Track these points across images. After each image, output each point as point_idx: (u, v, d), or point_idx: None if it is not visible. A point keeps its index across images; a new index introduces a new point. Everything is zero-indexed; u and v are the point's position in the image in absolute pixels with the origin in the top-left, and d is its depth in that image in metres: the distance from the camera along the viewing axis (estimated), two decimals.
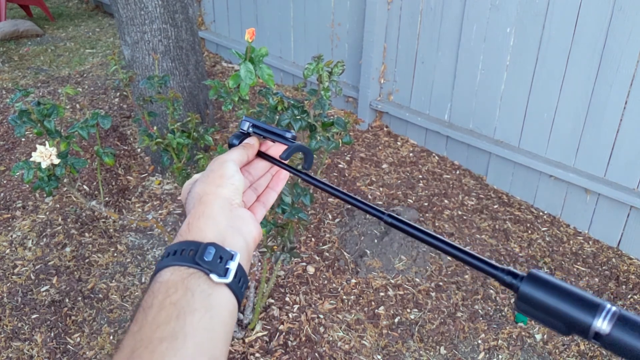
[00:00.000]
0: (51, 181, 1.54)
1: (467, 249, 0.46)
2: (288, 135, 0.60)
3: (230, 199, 0.52)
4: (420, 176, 2.98)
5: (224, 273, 0.46)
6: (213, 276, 0.45)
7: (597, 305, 0.35)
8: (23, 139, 3.21)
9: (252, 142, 0.61)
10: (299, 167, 0.63)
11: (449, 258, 2.38)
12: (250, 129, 0.61)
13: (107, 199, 2.73)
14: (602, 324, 0.34)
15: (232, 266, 0.47)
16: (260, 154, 0.62)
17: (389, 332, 2.05)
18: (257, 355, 1.93)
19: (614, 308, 0.35)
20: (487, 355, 1.98)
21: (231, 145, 0.62)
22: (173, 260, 0.46)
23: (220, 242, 0.48)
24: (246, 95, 1.38)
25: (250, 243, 0.52)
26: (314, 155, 1.52)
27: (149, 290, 0.45)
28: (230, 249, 0.48)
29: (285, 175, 0.65)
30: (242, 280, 0.48)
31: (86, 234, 2.52)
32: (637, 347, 0.33)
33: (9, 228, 2.56)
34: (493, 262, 0.44)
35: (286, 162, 0.61)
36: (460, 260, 0.46)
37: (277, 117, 1.46)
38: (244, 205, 0.57)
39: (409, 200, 2.76)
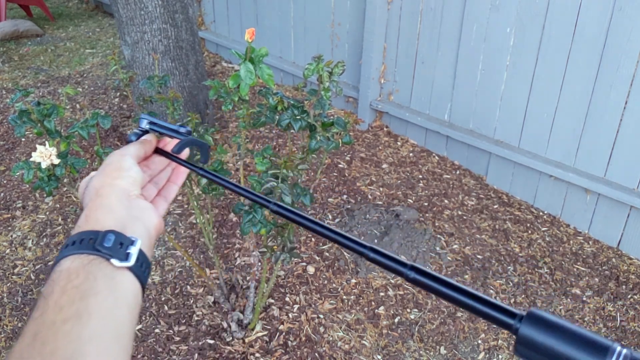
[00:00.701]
0: (51, 181, 1.54)
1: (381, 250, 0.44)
2: (182, 130, 0.62)
3: (127, 191, 0.51)
4: (420, 176, 2.98)
5: (125, 257, 0.46)
6: (114, 261, 0.45)
7: (606, 347, 0.32)
8: (23, 139, 3.21)
9: (149, 138, 0.61)
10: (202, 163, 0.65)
11: (449, 258, 2.38)
12: (148, 126, 0.63)
13: None
14: None
15: (133, 251, 0.46)
16: (158, 150, 0.63)
17: (389, 332, 2.05)
18: (257, 355, 1.93)
19: (624, 350, 0.32)
20: (487, 355, 1.98)
21: (129, 142, 0.63)
22: (72, 249, 0.45)
23: (121, 230, 0.47)
24: (246, 95, 1.38)
25: (151, 231, 0.51)
26: (314, 155, 1.52)
27: (49, 279, 0.44)
28: (130, 236, 0.47)
29: (185, 170, 0.65)
30: (144, 265, 0.47)
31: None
32: None
33: (9, 228, 2.56)
34: (479, 294, 0.38)
35: (183, 158, 0.63)
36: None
37: (277, 117, 1.46)
38: (143, 199, 0.58)
39: (409, 200, 2.76)
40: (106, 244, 0.45)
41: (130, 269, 0.46)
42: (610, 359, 0.32)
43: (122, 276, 0.45)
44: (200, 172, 0.61)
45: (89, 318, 0.41)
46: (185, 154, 0.64)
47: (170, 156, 0.63)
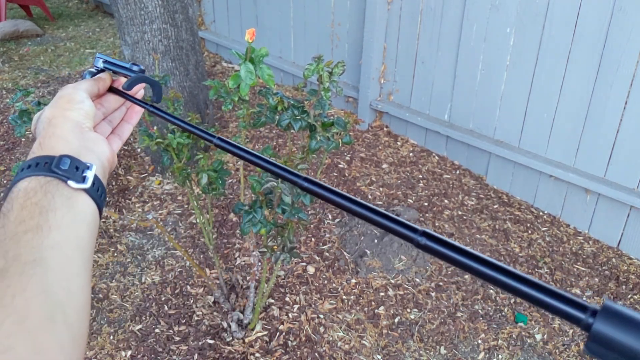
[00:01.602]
0: None
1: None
2: (135, 68, 0.62)
3: (80, 123, 0.52)
4: (420, 176, 2.98)
5: (82, 180, 0.46)
6: (71, 182, 0.45)
7: None
8: (23, 139, 3.21)
9: (104, 76, 0.61)
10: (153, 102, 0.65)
11: None
12: (103, 65, 0.63)
13: (107, 199, 2.73)
14: None
15: (89, 174, 0.47)
16: (112, 89, 0.63)
17: (389, 332, 2.05)
18: (257, 355, 1.93)
19: None
20: (487, 355, 1.98)
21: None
22: (28, 172, 0.45)
23: (76, 156, 0.48)
24: (246, 95, 1.38)
25: (104, 162, 0.52)
26: (314, 155, 1.52)
27: (7, 199, 0.44)
28: (85, 161, 0.48)
29: (139, 109, 0.65)
30: (100, 189, 0.48)
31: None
32: None
33: None
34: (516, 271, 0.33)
35: (136, 96, 0.63)
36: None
37: (277, 117, 1.46)
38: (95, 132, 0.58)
39: (409, 200, 2.76)
40: (62, 167, 0.46)
41: (86, 191, 0.46)
42: None
43: (79, 197, 0.46)
44: (151, 109, 0.61)
45: (49, 230, 0.41)
46: (139, 94, 0.65)
47: (124, 94, 0.63)
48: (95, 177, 0.48)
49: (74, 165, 0.47)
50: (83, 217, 0.45)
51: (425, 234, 0.37)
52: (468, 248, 0.36)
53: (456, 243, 0.36)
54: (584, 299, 2.22)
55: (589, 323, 0.30)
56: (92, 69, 0.63)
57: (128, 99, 0.63)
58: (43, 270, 0.40)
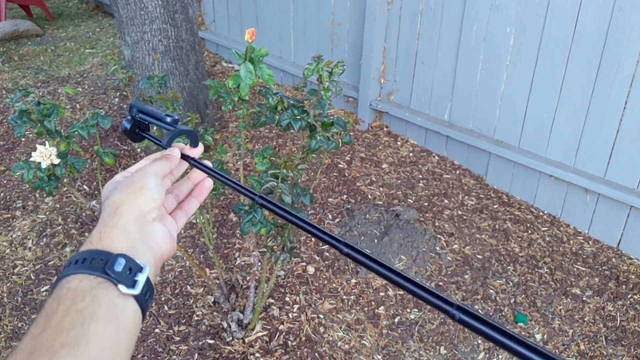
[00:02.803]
0: (51, 181, 1.54)
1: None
2: (168, 119, 0.62)
3: (145, 213, 0.52)
4: (420, 176, 2.98)
5: (132, 285, 0.46)
6: (121, 287, 0.45)
7: None
8: (23, 139, 3.21)
9: (174, 153, 0.61)
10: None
11: (449, 258, 2.38)
12: (138, 116, 0.64)
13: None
14: None
15: (141, 278, 0.47)
16: (182, 156, 0.63)
17: (389, 332, 2.05)
18: (257, 355, 1.93)
19: None
20: (487, 355, 1.98)
21: (125, 130, 0.64)
22: (82, 268, 0.46)
23: (131, 255, 0.48)
24: (246, 95, 1.38)
25: (158, 260, 0.52)
26: (314, 155, 1.52)
27: (55, 294, 0.44)
28: (140, 262, 0.48)
29: (209, 185, 0.65)
30: (148, 293, 0.48)
31: (86, 234, 2.52)
32: None
33: (9, 228, 2.56)
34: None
35: (205, 165, 0.62)
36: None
37: (277, 117, 1.46)
38: (164, 212, 0.58)
39: (409, 200, 2.76)
40: (116, 268, 0.46)
41: (135, 296, 0.47)
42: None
43: (125, 303, 0.46)
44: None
45: (87, 346, 0.41)
46: (207, 164, 0.63)
47: (195, 163, 0.62)
48: (147, 280, 0.48)
49: (128, 267, 0.47)
50: (125, 326, 0.45)
51: (460, 309, 0.43)
52: (499, 324, 0.42)
53: (488, 319, 0.42)
54: (584, 298, 2.22)
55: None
56: (128, 117, 0.64)
57: (200, 167, 0.62)
58: None
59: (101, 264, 0.46)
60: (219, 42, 4.50)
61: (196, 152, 0.64)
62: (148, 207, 0.52)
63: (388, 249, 2.38)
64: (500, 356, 1.98)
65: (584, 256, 2.45)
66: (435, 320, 2.10)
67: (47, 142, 1.52)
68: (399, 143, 3.29)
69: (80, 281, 0.45)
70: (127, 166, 2.99)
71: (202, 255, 2.39)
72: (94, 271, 0.45)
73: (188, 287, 2.23)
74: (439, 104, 3.11)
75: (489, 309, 2.15)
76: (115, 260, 0.46)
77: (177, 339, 2.00)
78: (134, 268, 0.47)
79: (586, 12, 2.35)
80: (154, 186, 0.54)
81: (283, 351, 1.94)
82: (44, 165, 1.49)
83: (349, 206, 2.69)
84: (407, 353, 1.97)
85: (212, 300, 2.16)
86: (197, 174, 0.65)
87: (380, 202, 2.72)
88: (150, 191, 0.53)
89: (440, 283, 2.26)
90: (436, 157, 3.16)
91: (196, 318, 2.08)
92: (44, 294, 2.21)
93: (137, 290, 0.46)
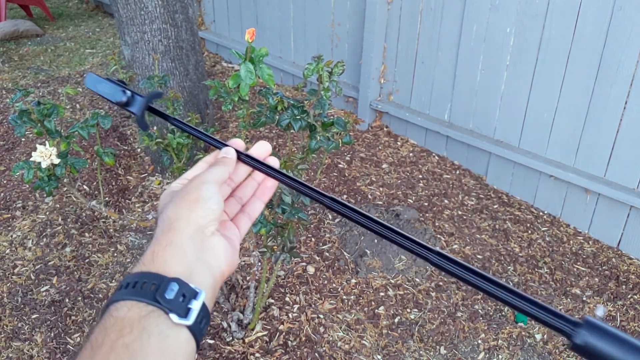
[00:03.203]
0: (51, 181, 1.54)
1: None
2: (124, 98, 0.58)
3: (203, 227, 0.48)
4: (420, 176, 2.98)
5: (185, 314, 0.42)
6: (173, 316, 0.42)
7: None
8: (23, 139, 3.21)
9: (230, 155, 0.55)
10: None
11: None
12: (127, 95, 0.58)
13: (107, 199, 2.73)
14: None
15: (195, 306, 0.43)
16: (240, 157, 0.56)
17: (389, 332, 2.05)
18: (257, 355, 1.93)
19: None
20: (487, 355, 1.98)
21: (119, 103, 0.58)
22: (132, 294, 0.42)
23: (186, 277, 0.44)
24: (246, 95, 1.38)
25: (217, 279, 0.48)
26: (314, 155, 1.52)
27: (101, 324, 0.41)
28: (194, 286, 0.44)
29: (272, 184, 0.59)
30: (203, 321, 0.44)
31: (86, 234, 2.52)
32: None
33: (9, 228, 2.56)
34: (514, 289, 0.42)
35: (270, 166, 0.56)
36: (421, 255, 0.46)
37: (277, 117, 1.46)
38: (225, 218, 0.55)
39: (409, 200, 2.76)
40: (167, 296, 0.42)
41: (188, 326, 0.43)
42: None
43: (178, 334, 0.42)
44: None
45: None
46: (273, 162, 0.57)
47: (255, 164, 0.56)
48: (202, 307, 0.44)
49: (181, 293, 0.43)
50: (176, 359, 0.41)
51: (440, 255, 0.45)
52: (477, 269, 0.42)
53: (467, 264, 0.44)
54: (584, 298, 2.22)
55: (574, 335, 0.38)
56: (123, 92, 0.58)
57: (259, 168, 0.56)
58: None
59: (152, 290, 0.42)
60: (219, 42, 4.50)
61: (261, 151, 0.57)
62: (206, 220, 0.48)
63: (388, 249, 2.39)
64: (500, 356, 1.98)
65: (584, 256, 2.45)
66: (436, 320, 2.10)
67: (47, 142, 1.52)
68: (399, 143, 3.29)
69: (129, 309, 0.41)
70: (127, 166, 2.99)
71: None
72: (144, 298, 0.42)
73: None
74: (439, 104, 3.11)
75: (489, 308, 2.15)
76: (167, 285, 0.42)
77: None
78: (187, 294, 0.43)
79: (586, 12, 2.35)
80: (211, 195, 0.49)
81: (283, 351, 1.94)
82: (44, 165, 1.49)
83: None
84: (407, 353, 1.97)
85: None
86: (260, 172, 0.58)
87: (380, 202, 2.72)
88: (207, 202, 0.48)
89: (440, 283, 2.26)
90: (436, 157, 3.16)
91: None
92: (44, 294, 2.21)
93: (190, 320, 0.42)
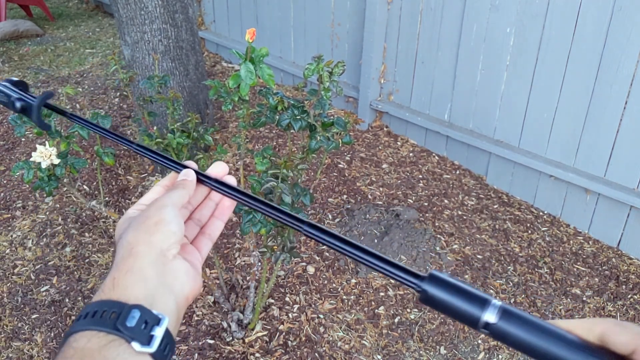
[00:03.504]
0: (51, 181, 1.54)
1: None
2: (18, 105, 0.58)
3: (164, 250, 0.47)
4: (420, 176, 2.98)
5: (148, 341, 0.41)
6: (135, 344, 0.41)
7: (485, 300, 0.40)
8: (23, 139, 3.21)
9: (190, 177, 0.54)
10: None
11: (449, 257, 2.38)
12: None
13: (107, 199, 2.73)
14: (489, 317, 0.39)
15: (158, 332, 0.42)
16: (199, 179, 0.55)
17: (389, 332, 2.05)
18: (257, 355, 1.93)
19: (499, 303, 0.40)
20: (487, 355, 1.98)
21: (13, 108, 0.59)
22: (91, 323, 0.41)
23: (148, 304, 0.43)
24: (246, 95, 1.38)
25: (181, 303, 0.47)
26: (314, 155, 1.52)
27: (60, 356, 0.40)
28: (157, 313, 0.43)
29: (231, 203, 0.57)
30: (167, 347, 0.43)
31: (86, 234, 2.52)
32: (517, 335, 0.39)
33: (9, 228, 2.56)
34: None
35: (230, 185, 0.55)
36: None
37: (277, 117, 1.46)
38: (186, 242, 0.54)
39: (409, 200, 2.76)
40: (129, 324, 0.41)
41: (151, 354, 0.42)
42: (488, 308, 0.40)
43: None
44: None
45: None
46: (230, 181, 0.56)
47: (215, 184, 0.55)
48: (165, 333, 0.43)
49: (143, 320, 0.41)
50: None
51: (309, 224, 0.50)
52: (341, 235, 0.47)
53: (334, 232, 0.49)
54: (584, 298, 2.22)
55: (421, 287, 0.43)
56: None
57: (219, 190, 0.55)
58: None
59: (112, 318, 0.41)
60: (219, 42, 4.50)
61: (218, 171, 0.56)
62: (167, 244, 0.47)
63: (388, 249, 2.38)
64: (500, 356, 1.98)
65: (584, 256, 2.45)
66: (436, 320, 2.10)
67: (47, 142, 1.52)
68: (399, 143, 3.29)
69: (89, 340, 0.40)
70: (127, 166, 2.99)
71: None
72: (103, 327, 0.40)
73: None
74: (439, 104, 3.11)
75: None
76: (128, 313, 0.41)
77: (177, 339, 2.00)
78: (150, 321, 0.42)
79: (586, 12, 2.35)
80: (172, 219, 0.48)
81: (283, 351, 1.94)
82: (44, 165, 1.49)
83: (349, 206, 2.69)
84: (407, 353, 1.97)
85: (212, 300, 2.16)
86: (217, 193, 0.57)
87: (380, 202, 2.72)
88: (168, 225, 0.47)
89: None
90: (436, 157, 3.16)
91: (196, 318, 2.08)
92: (44, 294, 2.21)
93: (153, 348, 0.41)
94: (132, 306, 0.42)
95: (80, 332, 0.41)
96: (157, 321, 0.43)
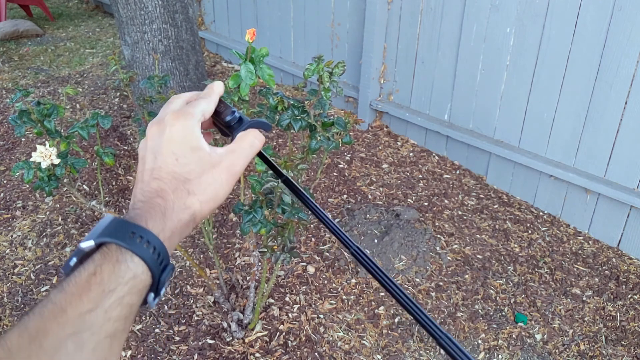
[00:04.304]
0: (51, 181, 1.54)
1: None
2: (229, 118, 0.55)
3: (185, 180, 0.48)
4: (420, 176, 2.98)
5: (154, 298, 0.44)
6: (151, 296, 0.43)
7: None
8: (23, 139, 3.21)
9: (219, 89, 0.54)
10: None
11: (449, 257, 2.38)
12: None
13: (107, 199, 2.73)
14: None
15: (162, 292, 0.45)
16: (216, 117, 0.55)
17: (389, 332, 2.05)
18: (257, 355, 1.93)
19: None
20: (487, 355, 1.98)
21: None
22: (151, 259, 0.42)
23: (164, 239, 0.45)
24: (246, 95, 1.38)
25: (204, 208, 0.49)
26: (314, 155, 1.52)
27: (120, 264, 0.41)
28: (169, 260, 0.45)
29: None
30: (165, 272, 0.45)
31: (86, 234, 2.52)
32: None
33: (9, 228, 2.56)
34: None
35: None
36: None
37: (278, 117, 1.46)
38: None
39: (409, 200, 2.76)
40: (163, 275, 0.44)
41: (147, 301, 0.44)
42: None
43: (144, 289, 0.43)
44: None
45: (116, 343, 0.39)
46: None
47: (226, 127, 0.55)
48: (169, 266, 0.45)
49: (160, 260, 0.43)
50: (137, 304, 0.42)
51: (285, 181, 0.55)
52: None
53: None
54: (584, 298, 2.22)
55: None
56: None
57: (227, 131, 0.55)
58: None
59: (160, 266, 0.43)
60: (219, 42, 4.50)
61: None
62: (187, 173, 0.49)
63: (388, 249, 2.38)
64: (500, 356, 1.98)
65: (584, 256, 2.45)
66: (436, 320, 2.10)
67: (47, 142, 1.52)
68: (399, 143, 3.29)
69: (142, 272, 0.42)
70: (127, 166, 2.99)
71: (202, 255, 2.39)
72: (154, 270, 0.42)
73: (188, 287, 2.23)
74: (439, 104, 3.11)
75: (489, 309, 2.15)
76: (169, 270, 0.44)
77: (177, 339, 2.00)
78: (164, 258, 0.44)
79: (586, 12, 2.35)
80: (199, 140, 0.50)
81: (283, 351, 1.94)
82: (44, 165, 1.49)
83: (349, 206, 2.69)
84: (407, 353, 1.97)
85: (212, 300, 2.16)
86: None
87: (380, 202, 2.72)
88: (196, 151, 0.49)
89: (441, 283, 2.26)
90: (436, 157, 3.16)
91: (196, 318, 2.08)
92: (44, 294, 2.21)
93: (154, 305, 0.44)
94: (171, 264, 0.44)
95: (138, 258, 0.42)
96: (164, 283, 0.44)
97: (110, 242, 0.42)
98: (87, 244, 0.42)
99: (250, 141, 0.52)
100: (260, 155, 0.55)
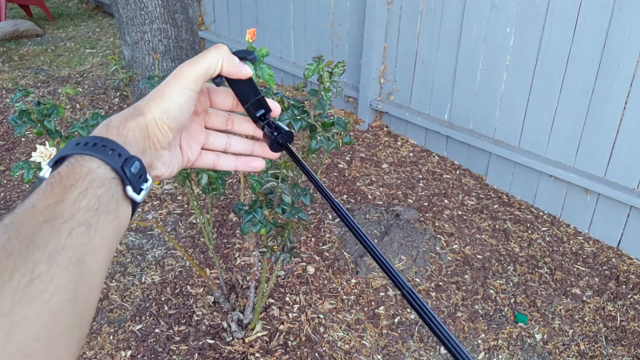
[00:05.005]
0: None
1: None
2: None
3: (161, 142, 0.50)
4: (420, 176, 2.98)
5: (138, 192, 0.45)
6: (129, 189, 0.44)
7: None
8: (23, 139, 3.21)
9: (224, 48, 0.55)
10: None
11: (449, 257, 2.38)
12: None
13: None
14: None
15: (145, 187, 0.46)
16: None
17: (389, 332, 2.05)
18: (257, 355, 1.93)
19: None
20: (487, 355, 1.98)
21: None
22: (101, 154, 0.43)
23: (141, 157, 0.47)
24: None
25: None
26: (314, 155, 1.52)
27: (69, 166, 0.42)
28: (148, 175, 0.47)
29: (259, 163, 0.60)
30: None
31: None
32: None
33: None
34: None
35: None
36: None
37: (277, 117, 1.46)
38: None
39: (409, 200, 2.76)
40: (133, 170, 0.44)
41: (135, 202, 0.45)
42: None
43: (127, 207, 0.45)
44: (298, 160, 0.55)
45: (96, 232, 0.40)
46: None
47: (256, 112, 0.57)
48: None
49: (140, 173, 0.45)
50: (120, 229, 0.44)
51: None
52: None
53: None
54: (584, 298, 2.22)
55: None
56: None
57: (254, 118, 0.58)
58: (80, 273, 0.38)
59: (118, 159, 0.44)
60: (219, 42, 4.50)
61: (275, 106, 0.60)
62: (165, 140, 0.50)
63: (388, 249, 2.38)
64: (500, 356, 1.98)
65: (584, 256, 2.45)
66: None
67: (47, 142, 1.52)
68: (399, 143, 3.29)
69: (98, 166, 0.43)
70: None
71: (202, 255, 2.39)
72: (112, 163, 0.43)
73: (188, 287, 2.23)
74: (439, 104, 3.11)
75: (489, 309, 2.15)
76: (132, 161, 0.45)
77: (177, 339, 2.00)
78: (143, 175, 0.46)
79: (586, 12, 2.35)
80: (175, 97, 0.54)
81: (283, 351, 1.94)
82: (44, 166, 1.49)
83: (349, 206, 2.69)
84: (407, 353, 1.97)
85: (212, 300, 2.16)
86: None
87: (380, 202, 2.72)
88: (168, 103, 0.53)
89: (440, 283, 2.26)
90: (436, 157, 3.16)
91: (196, 318, 2.08)
92: None
93: (140, 198, 0.45)
94: (135, 157, 0.45)
95: (88, 156, 0.43)
96: (146, 179, 0.46)
97: (59, 158, 0.44)
98: (45, 171, 0.44)
99: (205, 51, 0.54)
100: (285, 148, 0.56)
